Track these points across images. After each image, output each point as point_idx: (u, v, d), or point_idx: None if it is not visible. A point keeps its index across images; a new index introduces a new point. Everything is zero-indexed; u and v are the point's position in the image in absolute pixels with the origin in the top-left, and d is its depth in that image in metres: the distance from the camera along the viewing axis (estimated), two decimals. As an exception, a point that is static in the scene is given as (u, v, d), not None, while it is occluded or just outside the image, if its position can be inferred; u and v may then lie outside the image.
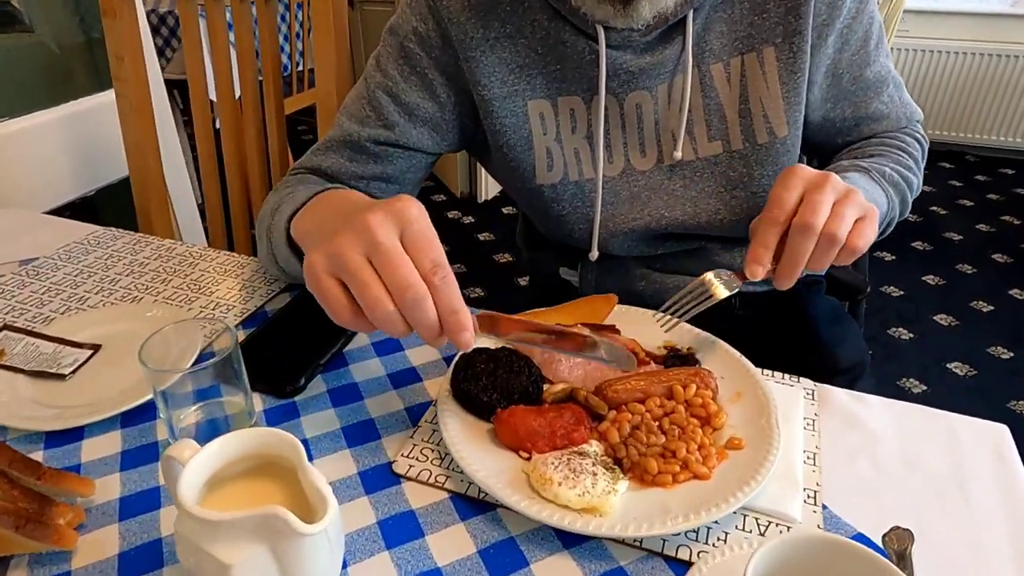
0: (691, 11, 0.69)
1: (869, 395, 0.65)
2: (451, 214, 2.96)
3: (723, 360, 0.64)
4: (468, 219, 2.91)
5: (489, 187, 3.05)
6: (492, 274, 2.51)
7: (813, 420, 0.61)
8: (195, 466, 0.40)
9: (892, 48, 3.23)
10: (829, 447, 0.58)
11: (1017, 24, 3.13)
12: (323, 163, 0.78)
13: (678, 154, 0.76)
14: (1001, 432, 0.60)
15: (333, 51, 0.96)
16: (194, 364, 0.62)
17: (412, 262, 0.48)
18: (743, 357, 0.64)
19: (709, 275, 0.63)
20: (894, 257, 2.55)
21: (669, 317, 0.64)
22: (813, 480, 0.55)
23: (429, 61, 0.75)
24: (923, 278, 2.45)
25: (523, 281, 2.44)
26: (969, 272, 2.49)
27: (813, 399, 0.63)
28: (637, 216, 0.80)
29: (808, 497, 0.53)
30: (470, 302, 2.36)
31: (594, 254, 0.83)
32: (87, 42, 1.51)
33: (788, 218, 0.57)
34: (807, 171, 0.59)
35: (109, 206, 1.53)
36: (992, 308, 2.28)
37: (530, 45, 0.74)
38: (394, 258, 0.47)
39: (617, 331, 0.66)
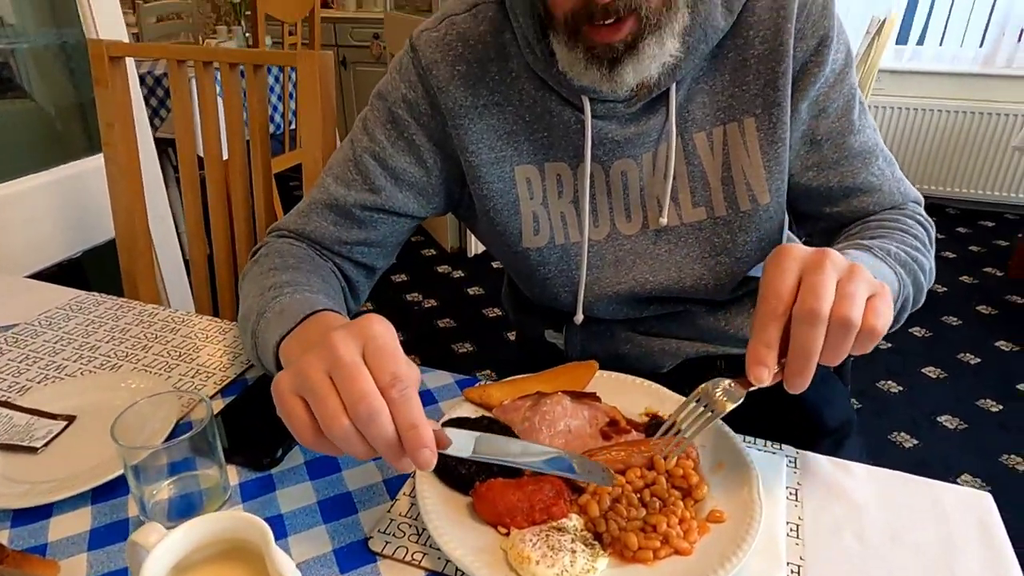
0: (674, 83, 0.71)
1: (853, 463, 0.64)
2: (441, 268, 2.97)
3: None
4: (458, 273, 2.93)
5: (479, 242, 3.07)
6: (481, 329, 2.50)
7: (796, 490, 0.60)
8: (160, 553, 0.39)
9: (870, 106, 3.33)
10: (813, 518, 0.57)
11: (987, 83, 3.25)
12: (306, 227, 0.79)
13: (663, 220, 0.76)
14: (984, 500, 0.59)
15: (320, 116, 0.98)
16: (169, 438, 0.61)
17: (372, 376, 0.46)
18: (724, 424, 0.64)
19: (708, 386, 0.55)
20: (880, 309, 2.57)
21: (672, 441, 0.56)
22: (796, 554, 0.54)
23: (417, 128, 0.77)
24: (910, 330, 2.46)
25: (512, 335, 2.44)
26: (955, 324, 2.50)
27: (796, 467, 0.63)
28: (622, 280, 0.80)
29: (791, 572, 0.52)
30: (459, 357, 2.32)
31: (579, 317, 0.83)
32: (80, 107, 1.54)
33: (788, 308, 0.50)
34: (801, 250, 0.52)
35: (96, 267, 1.53)
36: (979, 360, 2.28)
37: (517, 113, 0.75)
38: (352, 371, 0.45)
39: (597, 399, 0.66)
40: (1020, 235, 2.83)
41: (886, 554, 0.54)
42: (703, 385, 0.55)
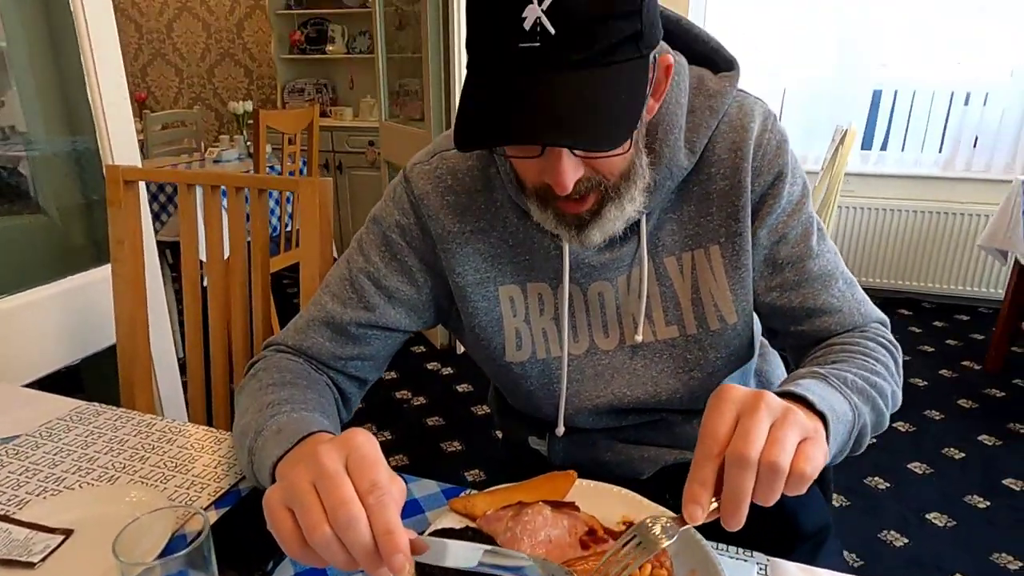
0: (644, 215, 0.78)
1: (821, 570, 0.67)
2: (430, 365, 3.00)
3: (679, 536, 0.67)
4: (447, 370, 2.96)
5: (468, 338, 3.12)
6: (470, 427, 2.51)
7: (766, 598, 0.63)
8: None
9: (840, 206, 3.51)
10: (782, 626, 0.60)
11: (949, 185, 3.46)
12: (303, 342, 0.84)
13: (639, 337, 0.82)
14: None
15: (318, 237, 1.06)
16: (167, 551, 0.63)
17: (352, 484, 0.49)
18: (696, 532, 0.67)
19: (646, 522, 0.57)
20: (864, 404, 2.60)
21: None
22: (767, 663, 0.56)
23: (409, 250, 0.83)
24: (894, 424, 2.49)
25: (500, 433, 2.44)
26: (937, 418, 2.54)
27: (766, 574, 0.66)
28: (601, 393, 0.84)
29: None
30: (448, 457, 2.31)
31: (560, 429, 0.87)
32: (88, 216, 1.61)
33: (723, 449, 0.53)
34: (739, 392, 0.56)
35: (94, 373, 1.56)
36: (963, 455, 2.31)
37: (501, 238, 0.82)
38: (335, 481, 0.48)
39: (576, 508, 0.69)
40: (994, 329, 2.92)
41: (853, 662, 0.57)
42: (641, 522, 0.58)
